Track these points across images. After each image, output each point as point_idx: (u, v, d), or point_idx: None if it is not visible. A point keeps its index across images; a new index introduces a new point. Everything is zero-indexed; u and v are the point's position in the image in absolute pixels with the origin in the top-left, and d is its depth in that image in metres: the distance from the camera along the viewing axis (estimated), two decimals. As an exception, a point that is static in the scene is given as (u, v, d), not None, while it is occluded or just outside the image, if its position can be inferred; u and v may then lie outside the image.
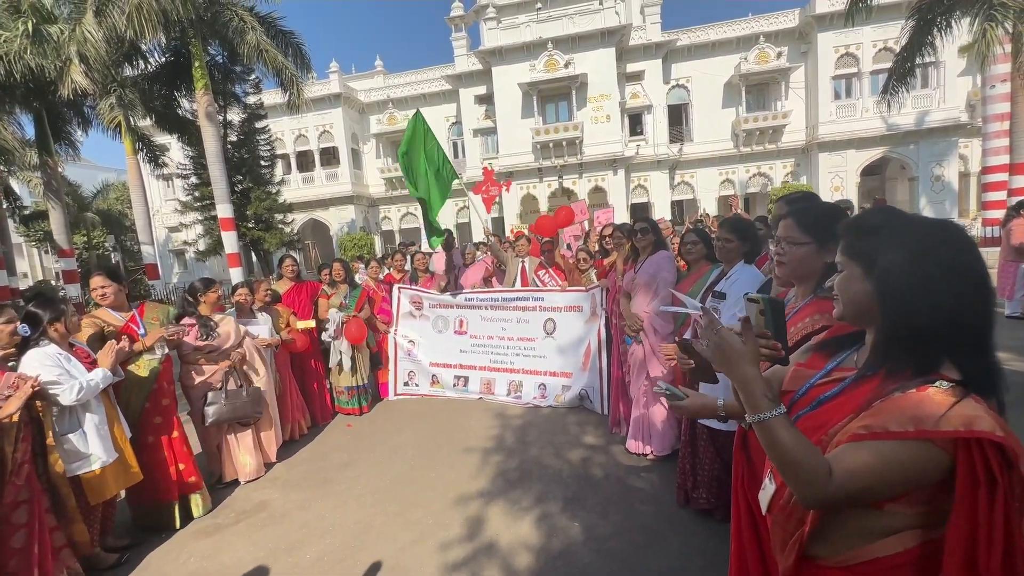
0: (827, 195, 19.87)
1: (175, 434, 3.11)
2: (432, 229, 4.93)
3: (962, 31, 12.29)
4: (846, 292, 0.92)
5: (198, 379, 3.44)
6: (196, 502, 3.19)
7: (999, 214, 11.56)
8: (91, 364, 2.64)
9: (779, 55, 20.25)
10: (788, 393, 1.01)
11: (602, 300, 4.49)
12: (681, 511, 2.82)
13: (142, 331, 3.04)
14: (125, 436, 2.75)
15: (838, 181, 20.11)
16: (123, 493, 2.93)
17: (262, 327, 3.91)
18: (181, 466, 3.10)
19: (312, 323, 4.53)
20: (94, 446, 2.52)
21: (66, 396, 2.43)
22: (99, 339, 2.93)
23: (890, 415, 0.79)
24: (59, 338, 2.56)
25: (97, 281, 2.97)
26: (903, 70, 12.54)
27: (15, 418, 2.24)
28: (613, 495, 3.07)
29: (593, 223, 7.47)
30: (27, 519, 2.24)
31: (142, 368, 3.00)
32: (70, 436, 2.47)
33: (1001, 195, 13.07)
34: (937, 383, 0.79)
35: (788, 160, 21.34)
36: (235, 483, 3.63)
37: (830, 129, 19.84)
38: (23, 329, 2.42)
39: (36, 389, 2.29)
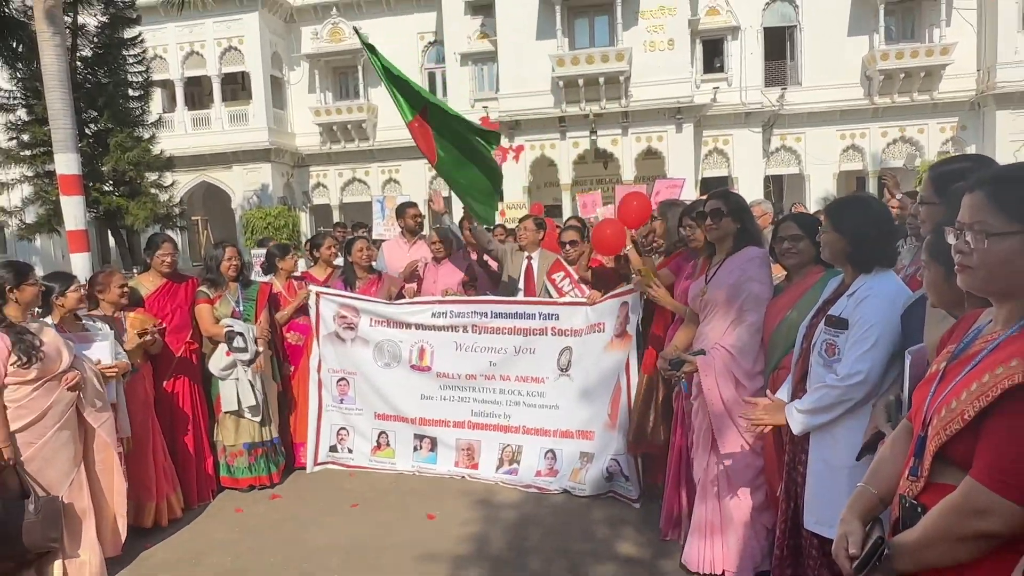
0: (1008, 175, 19.83)
1: None
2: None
3: None
4: None
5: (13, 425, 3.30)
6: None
7: None
8: None
9: (939, -42, 20.42)
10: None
11: (638, 311, 4.40)
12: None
13: None
14: None
15: (1025, 153, 20.13)
16: None
17: (100, 345, 3.82)
18: None
19: (151, 323, 4.33)
20: None
21: None
22: None
23: None
24: None
25: None
26: None
27: None
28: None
29: (652, 197, 7.33)
30: None
31: None
32: None
33: None
34: None
35: (949, 119, 21.44)
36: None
37: (1014, 74, 19.88)
38: None
39: None
